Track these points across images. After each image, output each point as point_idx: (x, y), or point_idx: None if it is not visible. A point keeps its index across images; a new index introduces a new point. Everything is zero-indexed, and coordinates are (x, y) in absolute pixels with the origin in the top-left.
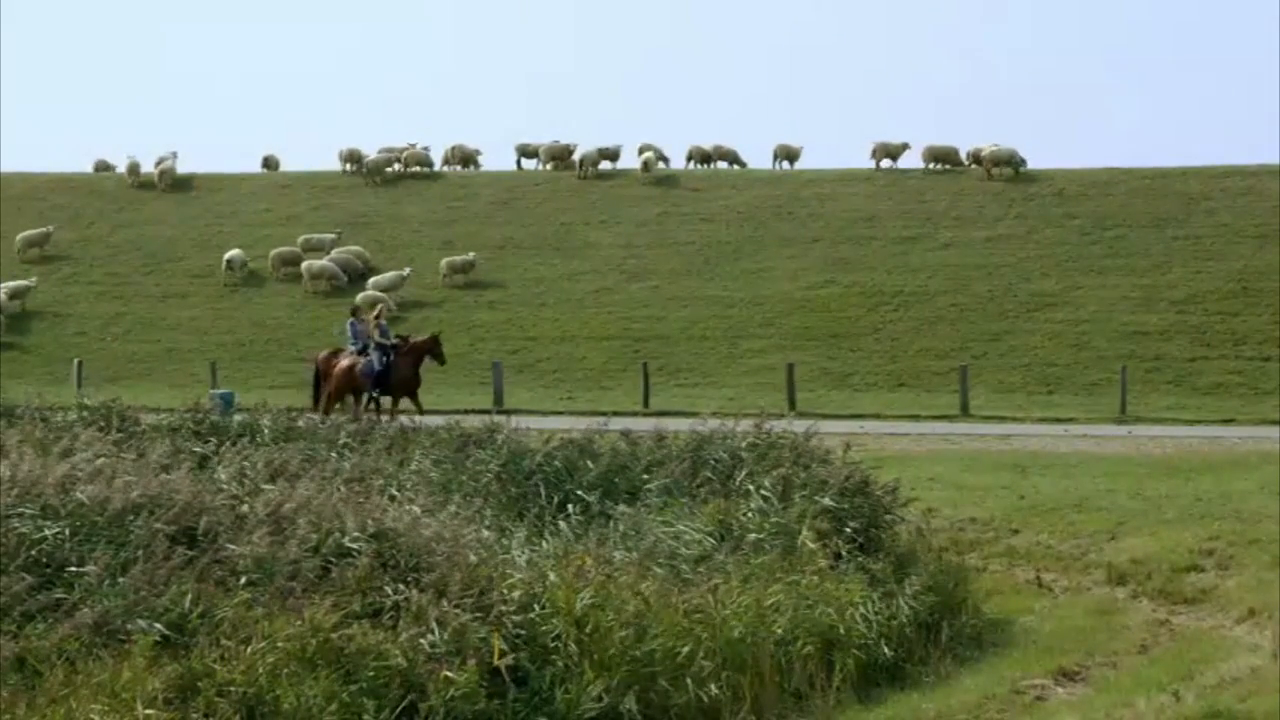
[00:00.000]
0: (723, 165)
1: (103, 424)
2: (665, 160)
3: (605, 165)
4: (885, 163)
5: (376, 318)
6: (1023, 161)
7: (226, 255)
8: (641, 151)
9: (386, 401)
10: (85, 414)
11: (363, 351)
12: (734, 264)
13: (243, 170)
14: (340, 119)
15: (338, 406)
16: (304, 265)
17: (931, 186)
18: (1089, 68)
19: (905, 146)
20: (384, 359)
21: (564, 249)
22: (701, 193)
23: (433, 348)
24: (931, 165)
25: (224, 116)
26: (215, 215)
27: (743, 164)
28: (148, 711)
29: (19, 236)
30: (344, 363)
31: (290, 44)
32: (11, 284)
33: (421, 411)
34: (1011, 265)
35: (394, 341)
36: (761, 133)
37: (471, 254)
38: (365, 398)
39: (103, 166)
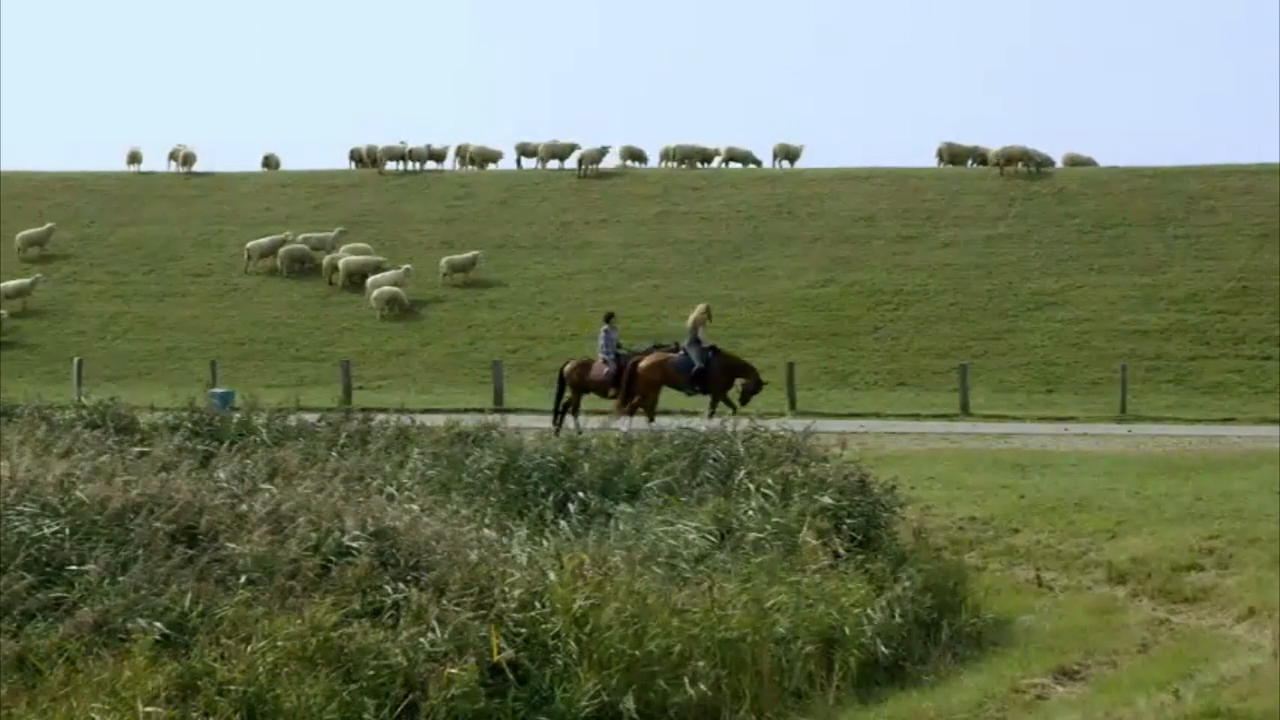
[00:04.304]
0: (737, 166)
1: (99, 422)
2: (704, 160)
3: (631, 164)
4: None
5: (699, 320)
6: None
7: (248, 244)
8: (665, 152)
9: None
10: (83, 414)
11: (617, 360)
12: (734, 263)
13: (243, 169)
14: (339, 119)
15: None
16: (372, 279)
17: (931, 186)
18: (1089, 67)
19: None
20: (705, 357)
21: (564, 248)
22: (701, 192)
23: (749, 378)
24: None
25: (223, 115)
26: (216, 214)
27: (758, 162)
28: (148, 710)
29: (19, 235)
30: (649, 360)
31: (288, 43)
32: (15, 282)
33: (712, 415)
34: (1011, 265)
35: (710, 344)
36: (763, 133)
37: (474, 252)
38: (715, 402)
39: (135, 158)
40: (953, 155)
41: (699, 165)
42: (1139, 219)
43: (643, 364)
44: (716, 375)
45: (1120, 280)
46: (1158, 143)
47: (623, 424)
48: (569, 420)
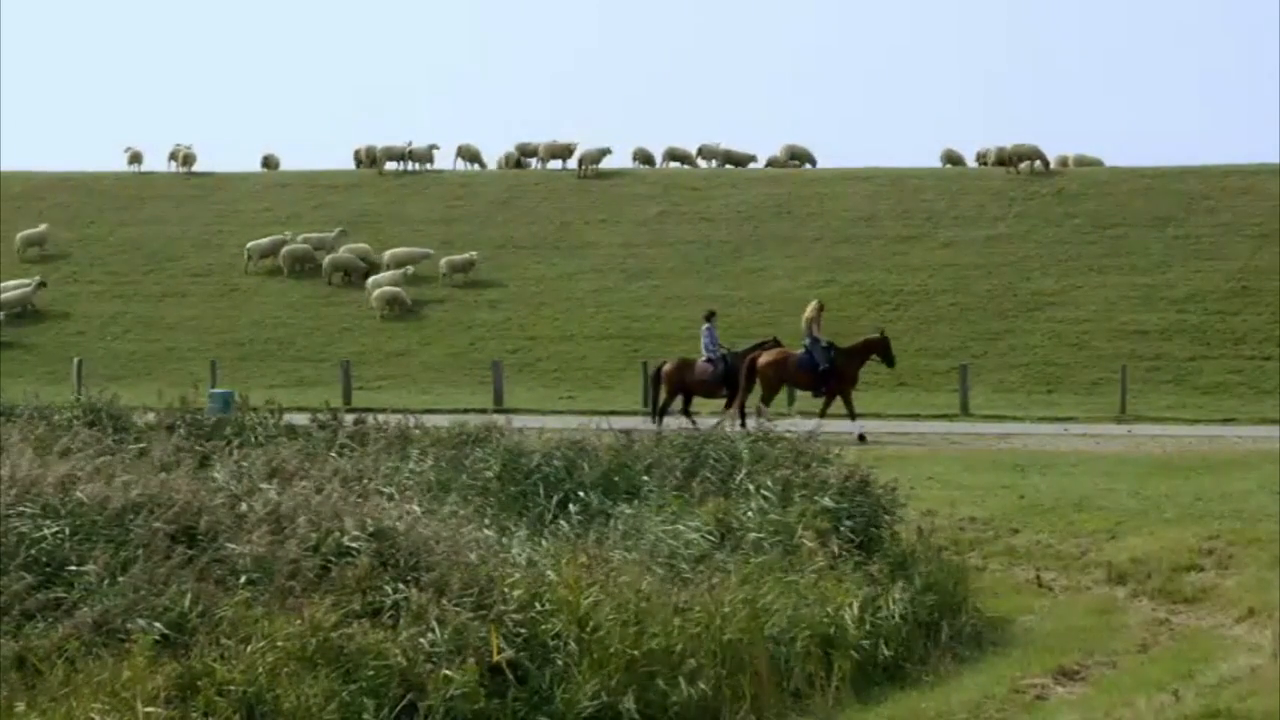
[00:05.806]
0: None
1: (93, 420)
2: (742, 161)
3: (638, 166)
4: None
5: (811, 319)
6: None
7: (248, 245)
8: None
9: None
10: (78, 412)
11: (722, 360)
12: (734, 263)
13: (243, 169)
14: (339, 119)
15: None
16: (372, 279)
17: (931, 186)
18: (1088, 67)
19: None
20: (828, 355)
21: (564, 248)
22: (701, 192)
23: (878, 348)
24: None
25: (223, 115)
26: (215, 214)
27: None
28: (148, 710)
29: (19, 236)
30: (769, 356)
31: (288, 43)
32: (14, 282)
33: (854, 416)
34: (1011, 265)
35: (828, 341)
36: (764, 133)
37: (472, 253)
38: (843, 401)
39: (135, 158)
40: (1001, 159)
41: (736, 168)
42: (1139, 219)
43: (763, 359)
44: (844, 373)
45: (1120, 280)
46: (1158, 143)
47: (750, 422)
48: (667, 419)
